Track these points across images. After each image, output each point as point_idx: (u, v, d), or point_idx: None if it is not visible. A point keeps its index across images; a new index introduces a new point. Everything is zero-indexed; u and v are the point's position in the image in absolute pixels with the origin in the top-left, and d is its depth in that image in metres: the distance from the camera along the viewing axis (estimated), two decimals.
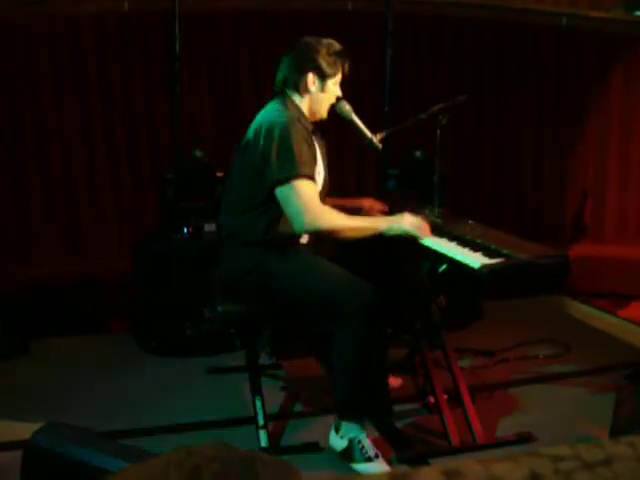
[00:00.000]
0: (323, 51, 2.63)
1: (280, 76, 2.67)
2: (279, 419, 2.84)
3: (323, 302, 2.45)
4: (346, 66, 2.69)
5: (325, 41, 2.67)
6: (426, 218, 2.65)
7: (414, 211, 2.71)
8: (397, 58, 4.14)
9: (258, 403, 2.61)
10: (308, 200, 2.44)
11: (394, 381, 3.13)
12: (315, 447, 2.60)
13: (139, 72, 4.05)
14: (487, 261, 2.28)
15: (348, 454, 2.48)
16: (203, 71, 4.17)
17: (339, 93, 2.70)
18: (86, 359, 3.49)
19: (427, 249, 2.53)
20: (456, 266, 2.38)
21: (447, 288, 3.71)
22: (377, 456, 2.46)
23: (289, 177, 2.44)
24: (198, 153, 3.72)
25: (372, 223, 2.58)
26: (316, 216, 2.43)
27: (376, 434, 2.66)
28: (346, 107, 2.78)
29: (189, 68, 4.02)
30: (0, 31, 3.76)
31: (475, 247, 2.43)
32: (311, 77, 2.62)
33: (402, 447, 2.62)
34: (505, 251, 2.33)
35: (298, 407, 3.00)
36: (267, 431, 2.58)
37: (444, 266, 2.51)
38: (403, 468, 2.47)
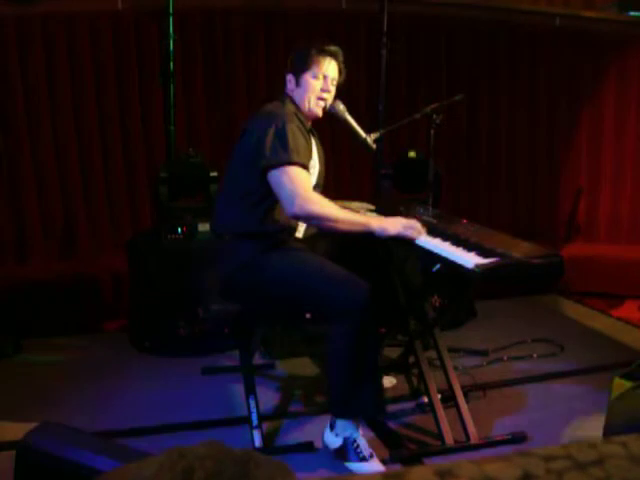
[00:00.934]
0: (299, 50, 2.69)
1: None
2: (273, 419, 2.84)
3: (317, 300, 2.45)
4: (328, 62, 2.67)
5: (310, 42, 2.71)
6: (420, 218, 2.66)
7: (408, 210, 2.71)
8: (391, 58, 4.15)
9: (252, 403, 2.61)
10: (300, 184, 2.45)
11: (388, 381, 3.14)
12: (309, 447, 2.59)
13: (133, 71, 4.04)
14: (481, 261, 2.28)
15: (342, 453, 2.48)
16: (197, 70, 4.16)
17: (324, 87, 2.67)
18: (80, 359, 3.48)
19: (421, 249, 2.53)
20: (450, 266, 2.38)
21: (441, 288, 3.72)
22: (371, 456, 2.46)
23: (282, 162, 2.45)
24: (192, 152, 3.72)
25: (364, 220, 2.57)
26: (307, 200, 2.43)
27: (370, 433, 2.67)
28: (340, 107, 2.78)
29: (183, 67, 4.01)
30: None
31: (469, 247, 2.43)
32: (289, 77, 2.70)
33: (396, 446, 2.62)
34: (499, 251, 2.33)
35: (292, 407, 3.00)
36: (261, 431, 2.59)
37: (438, 266, 2.51)
38: (397, 467, 2.47)
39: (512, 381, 3.22)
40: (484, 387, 3.10)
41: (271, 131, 2.48)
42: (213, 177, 3.66)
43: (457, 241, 2.50)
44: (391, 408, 2.90)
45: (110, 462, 1.46)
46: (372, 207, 3.03)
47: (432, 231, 2.60)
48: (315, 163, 2.70)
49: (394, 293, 2.88)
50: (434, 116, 2.81)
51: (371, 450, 2.48)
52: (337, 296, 2.39)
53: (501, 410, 2.91)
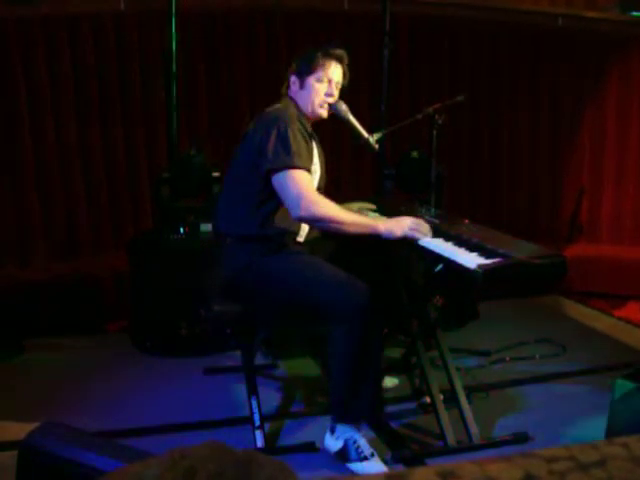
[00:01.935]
0: (305, 52, 2.71)
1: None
2: (275, 419, 2.84)
3: (318, 302, 2.44)
4: (334, 66, 2.68)
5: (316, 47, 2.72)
6: (422, 218, 2.66)
7: (410, 211, 2.71)
8: (393, 58, 4.15)
9: (254, 403, 2.61)
10: (304, 187, 2.45)
11: (390, 381, 3.14)
12: (311, 447, 2.59)
13: (136, 71, 4.05)
14: (483, 261, 2.28)
15: (343, 454, 2.48)
16: (200, 70, 4.17)
17: (328, 91, 2.68)
18: (82, 359, 3.48)
19: (423, 249, 2.53)
20: (452, 266, 2.38)
21: (443, 288, 3.72)
22: (373, 455, 2.46)
23: (285, 166, 2.46)
24: (194, 152, 3.72)
25: (370, 222, 2.57)
26: (313, 203, 2.43)
27: (372, 434, 2.67)
28: (343, 107, 2.78)
29: (186, 67, 4.01)
30: None
31: (471, 247, 2.43)
32: (293, 78, 2.70)
33: (398, 447, 2.61)
34: (501, 251, 2.33)
35: (294, 407, 3.00)
36: (263, 431, 2.58)
37: (440, 266, 2.51)
38: (399, 468, 2.47)
39: (514, 382, 3.22)
40: (486, 388, 3.10)
41: (273, 134, 2.48)
42: (215, 177, 3.66)
43: (459, 241, 2.50)
44: (393, 408, 2.90)
45: (112, 462, 1.46)
46: (373, 207, 3.02)
47: (434, 231, 2.60)
48: (316, 168, 2.69)
49: (396, 294, 2.88)
50: (436, 116, 2.81)
51: (372, 449, 2.48)
52: (337, 299, 2.39)
53: (503, 411, 2.91)
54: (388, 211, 2.88)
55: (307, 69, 2.66)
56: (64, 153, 3.98)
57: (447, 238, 2.55)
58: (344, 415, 2.49)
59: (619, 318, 4.15)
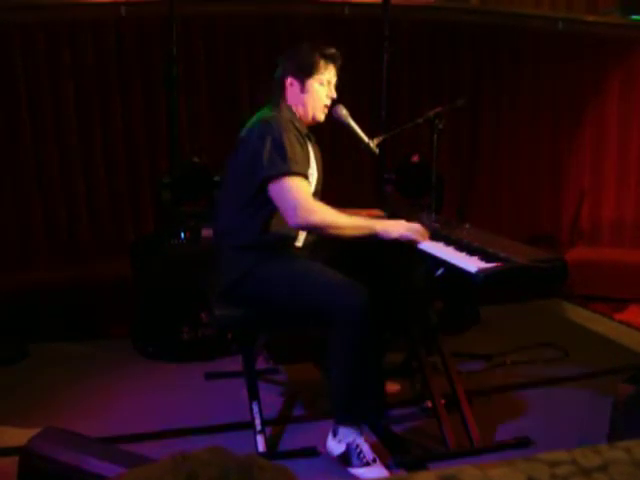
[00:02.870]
0: (302, 53, 2.67)
1: (274, 83, 2.71)
2: (277, 424, 2.84)
3: (318, 306, 2.44)
4: (332, 68, 2.68)
5: (309, 44, 2.69)
6: (423, 222, 2.66)
7: (411, 215, 2.71)
8: (394, 62, 4.15)
9: (255, 408, 2.61)
10: (301, 195, 2.44)
11: (392, 386, 3.13)
12: (313, 452, 2.59)
13: (137, 76, 4.05)
14: (484, 265, 2.28)
15: (346, 458, 2.47)
16: (201, 75, 4.17)
17: (329, 93, 2.69)
18: (83, 364, 3.48)
19: (424, 253, 2.53)
20: (453, 270, 2.38)
21: (444, 292, 3.72)
22: (375, 460, 2.45)
23: (281, 173, 2.44)
24: (195, 157, 3.72)
25: (367, 223, 2.56)
26: (309, 211, 2.42)
27: (374, 438, 2.66)
28: (343, 111, 2.78)
29: (186, 72, 4.02)
30: None
31: (472, 251, 2.43)
32: (289, 80, 2.66)
33: (400, 451, 2.61)
34: (502, 255, 2.33)
35: (296, 412, 3.00)
36: (264, 436, 2.58)
37: (441, 270, 2.51)
38: (401, 473, 2.47)
39: (516, 386, 3.21)
40: (488, 392, 3.10)
41: (268, 141, 2.46)
42: (216, 182, 3.66)
43: (460, 245, 2.50)
44: (395, 413, 2.89)
45: (114, 467, 1.46)
46: (380, 214, 3.02)
47: (435, 235, 2.60)
48: (313, 170, 2.67)
49: (397, 298, 2.88)
50: (436, 121, 2.81)
51: (374, 455, 2.47)
52: (336, 303, 2.39)
53: (505, 415, 2.90)
54: (389, 216, 2.88)
55: (307, 72, 2.64)
56: (65, 158, 3.98)
57: (448, 242, 2.55)
58: (345, 417, 2.49)
59: (620, 322, 4.14)
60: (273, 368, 3.40)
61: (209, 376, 3.31)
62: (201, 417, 2.88)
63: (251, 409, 2.61)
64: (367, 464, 2.44)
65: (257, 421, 2.59)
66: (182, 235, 3.63)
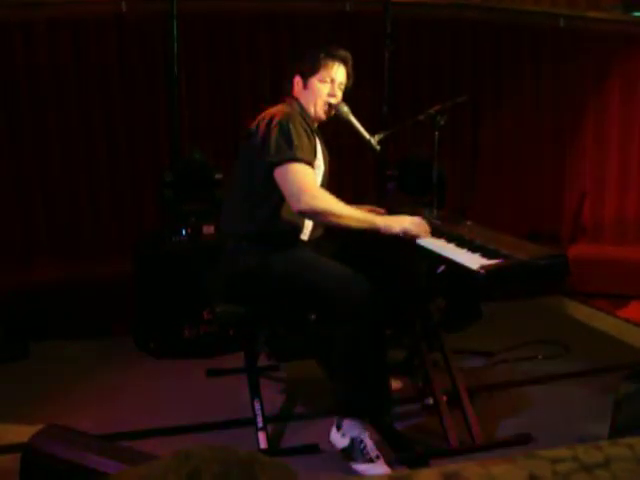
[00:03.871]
0: (309, 52, 2.73)
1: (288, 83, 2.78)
2: (278, 421, 2.84)
3: (321, 301, 2.46)
4: (337, 67, 2.70)
5: (322, 45, 2.74)
6: (425, 219, 2.66)
7: (412, 212, 2.71)
8: (395, 59, 4.14)
9: (257, 405, 2.61)
10: (305, 180, 2.46)
11: (394, 383, 3.13)
12: (314, 449, 2.59)
13: (138, 73, 4.05)
14: (485, 262, 2.28)
15: (349, 453, 2.48)
16: (202, 72, 4.17)
17: (330, 92, 2.70)
18: (85, 361, 3.49)
19: (425, 250, 2.53)
20: (454, 267, 2.38)
21: (446, 289, 3.71)
22: (378, 457, 2.46)
23: (287, 159, 2.47)
24: (197, 155, 3.72)
25: (369, 217, 2.58)
26: (313, 196, 2.44)
27: (376, 435, 2.66)
28: (344, 108, 2.78)
29: (188, 69, 4.02)
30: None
31: (473, 248, 2.43)
32: (296, 78, 2.73)
33: (402, 448, 2.61)
34: (504, 252, 2.33)
35: (297, 409, 3.00)
36: (266, 433, 2.58)
37: (442, 267, 2.51)
38: (403, 469, 2.47)
39: (517, 382, 3.21)
40: (489, 388, 3.10)
41: (275, 129, 2.50)
42: (218, 179, 3.66)
43: (462, 242, 2.50)
44: (397, 410, 2.89)
45: (115, 464, 1.46)
46: (382, 211, 3.02)
47: (437, 232, 2.60)
48: (320, 164, 2.70)
49: (399, 295, 2.88)
50: (438, 117, 2.81)
51: (378, 452, 2.47)
52: (340, 296, 2.40)
53: (506, 411, 2.91)
54: (391, 212, 2.88)
55: (310, 70, 2.69)
56: (67, 156, 3.98)
57: (449, 239, 2.55)
58: (350, 411, 2.50)
59: (622, 318, 4.14)
60: (274, 365, 3.40)
61: (211, 373, 3.31)
62: (203, 414, 2.88)
63: (252, 406, 2.62)
64: (370, 460, 2.44)
65: (258, 418, 2.59)
66: (183, 232, 3.63)
